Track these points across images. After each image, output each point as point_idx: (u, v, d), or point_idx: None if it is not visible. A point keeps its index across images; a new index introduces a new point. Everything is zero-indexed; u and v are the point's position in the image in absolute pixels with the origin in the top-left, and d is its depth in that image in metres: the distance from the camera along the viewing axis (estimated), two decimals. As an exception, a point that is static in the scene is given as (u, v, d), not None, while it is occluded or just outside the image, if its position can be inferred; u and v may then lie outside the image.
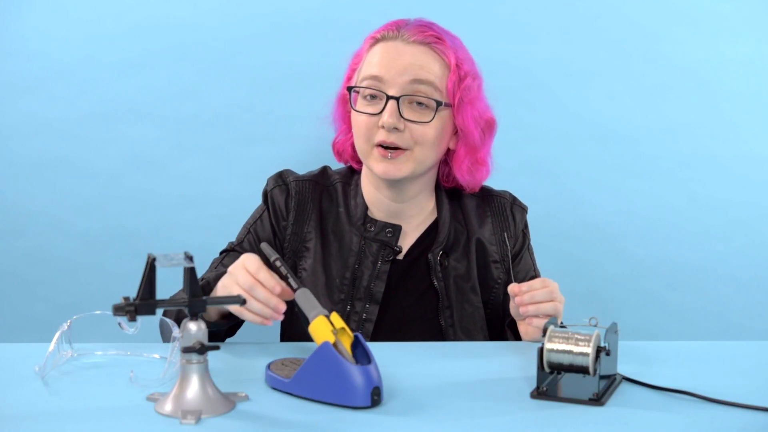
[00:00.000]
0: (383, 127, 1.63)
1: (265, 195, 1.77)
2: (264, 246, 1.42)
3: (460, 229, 1.76)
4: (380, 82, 1.64)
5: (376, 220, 1.73)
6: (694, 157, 2.32)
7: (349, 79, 1.74)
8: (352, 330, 1.63)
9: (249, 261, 1.43)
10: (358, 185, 1.76)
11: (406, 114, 1.64)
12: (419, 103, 1.65)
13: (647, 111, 2.30)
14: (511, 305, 1.58)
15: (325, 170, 1.81)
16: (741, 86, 2.29)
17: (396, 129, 1.63)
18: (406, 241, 1.75)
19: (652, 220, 2.34)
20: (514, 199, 1.84)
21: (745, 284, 2.35)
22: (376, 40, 1.69)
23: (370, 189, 1.74)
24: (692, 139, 2.31)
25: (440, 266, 1.72)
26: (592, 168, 2.31)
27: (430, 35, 1.66)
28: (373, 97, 1.66)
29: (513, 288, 1.54)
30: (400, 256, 1.73)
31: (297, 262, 1.73)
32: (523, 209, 1.83)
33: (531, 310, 1.52)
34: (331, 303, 1.69)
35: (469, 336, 1.72)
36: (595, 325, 1.33)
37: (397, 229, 1.72)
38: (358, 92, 1.68)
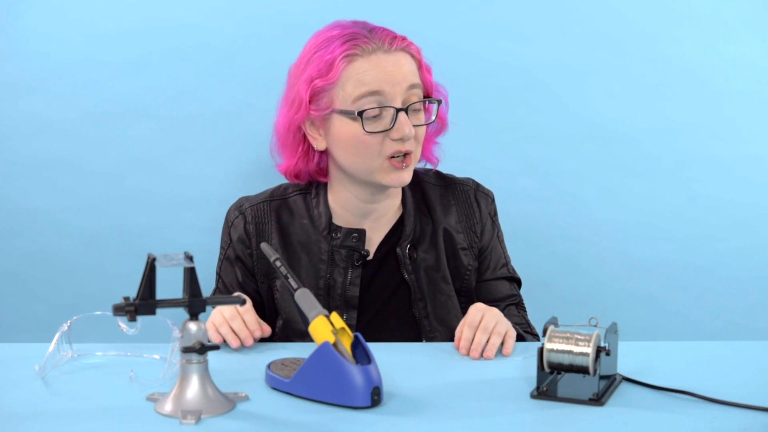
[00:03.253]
0: (398, 139, 1.64)
1: (227, 231, 1.79)
2: (264, 246, 1.42)
3: (426, 220, 1.78)
4: (382, 96, 1.64)
5: (340, 227, 1.74)
6: (694, 157, 2.32)
7: (310, 102, 1.67)
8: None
9: (225, 309, 1.55)
10: (320, 194, 1.76)
11: (412, 121, 1.66)
12: (416, 108, 1.67)
13: (647, 111, 2.30)
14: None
15: (279, 186, 1.81)
16: (741, 86, 2.29)
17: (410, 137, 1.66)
18: (373, 242, 1.76)
19: (652, 220, 2.33)
20: (478, 185, 1.84)
21: (745, 284, 2.35)
22: (353, 57, 1.64)
23: (341, 193, 1.74)
24: (692, 139, 2.31)
25: (410, 259, 1.74)
26: (592, 168, 2.31)
27: (400, 39, 1.68)
28: (375, 115, 1.65)
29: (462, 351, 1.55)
30: (370, 257, 1.74)
31: (270, 284, 1.75)
32: (488, 195, 1.84)
33: (480, 353, 1.52)
34: None
35: (445, 325, 1.74)
36: (595, 325, 1.33)
37: (362, 233, 1.73)
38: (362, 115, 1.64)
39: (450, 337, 1.71)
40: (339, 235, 1.73)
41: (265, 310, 1.76)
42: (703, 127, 2.31)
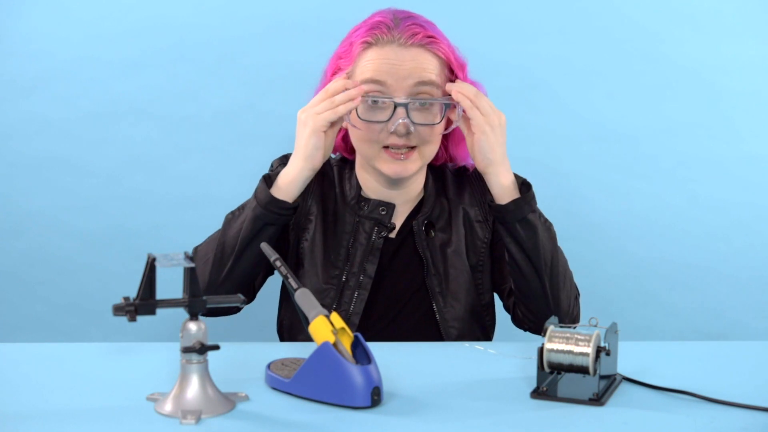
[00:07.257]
0: (393, 132, 1.64)
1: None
2: (264, 246, 1.42)
3: (445, 203, 1.80)
4: (384, 87, 1.65)
5: (369, 199, 1.76)
6: (694, 157, 2.32)
7: (334, 77, 1.73)
8: (348, 309, 1.70)
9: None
10: (352, 170, 1.80)
11: (415, 118, 1.66)
12: (422, 103, 1.66)
13: (647, 111, 2.30)
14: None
15: None
16: (741, 86, 2.29)
17: (407, 133, 1.65)
18: (397, 219, 1.78)
19: (652, 220, 2.34)
20: None
21: (745, 284, 2.35)
22: (368, 44, 1.68)
23: (364, 176, 1.78)
24: (692, 139, 2.31)
25: (425, 235, 1.75)
26: (592, 168, 2.31)
27: (423, 36, 1.68)
28: (375, 101, 1.66)
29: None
30: (393, 234, 1.76)
31: (300, 234, 1.76)
32: None
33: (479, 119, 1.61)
34: (327, 276, 1.72)
35: (457, 299, 1.74)
36: (595, 325, 1.33)
37: (390, 207, 1.76)
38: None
39: (463, 312, 1.73)
40: (367, 207, 1.75)
41: (287, 261, 1.79)
42: (703, 127, 2.31)
